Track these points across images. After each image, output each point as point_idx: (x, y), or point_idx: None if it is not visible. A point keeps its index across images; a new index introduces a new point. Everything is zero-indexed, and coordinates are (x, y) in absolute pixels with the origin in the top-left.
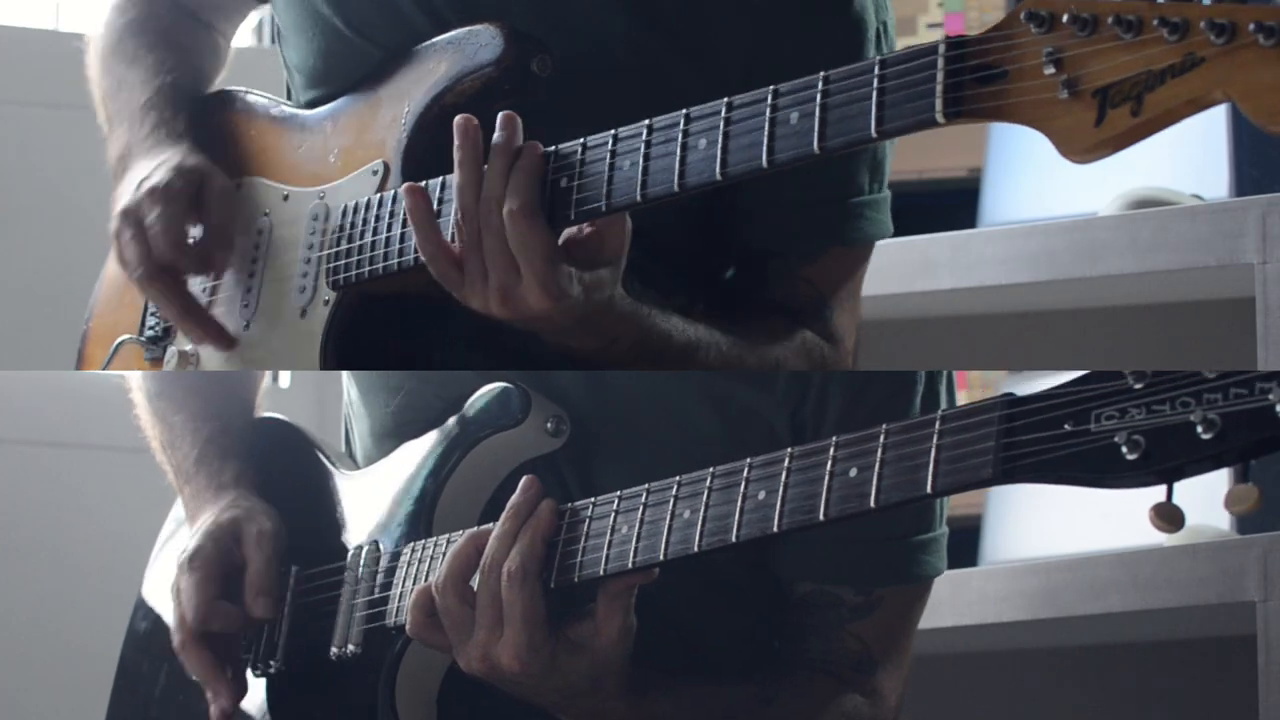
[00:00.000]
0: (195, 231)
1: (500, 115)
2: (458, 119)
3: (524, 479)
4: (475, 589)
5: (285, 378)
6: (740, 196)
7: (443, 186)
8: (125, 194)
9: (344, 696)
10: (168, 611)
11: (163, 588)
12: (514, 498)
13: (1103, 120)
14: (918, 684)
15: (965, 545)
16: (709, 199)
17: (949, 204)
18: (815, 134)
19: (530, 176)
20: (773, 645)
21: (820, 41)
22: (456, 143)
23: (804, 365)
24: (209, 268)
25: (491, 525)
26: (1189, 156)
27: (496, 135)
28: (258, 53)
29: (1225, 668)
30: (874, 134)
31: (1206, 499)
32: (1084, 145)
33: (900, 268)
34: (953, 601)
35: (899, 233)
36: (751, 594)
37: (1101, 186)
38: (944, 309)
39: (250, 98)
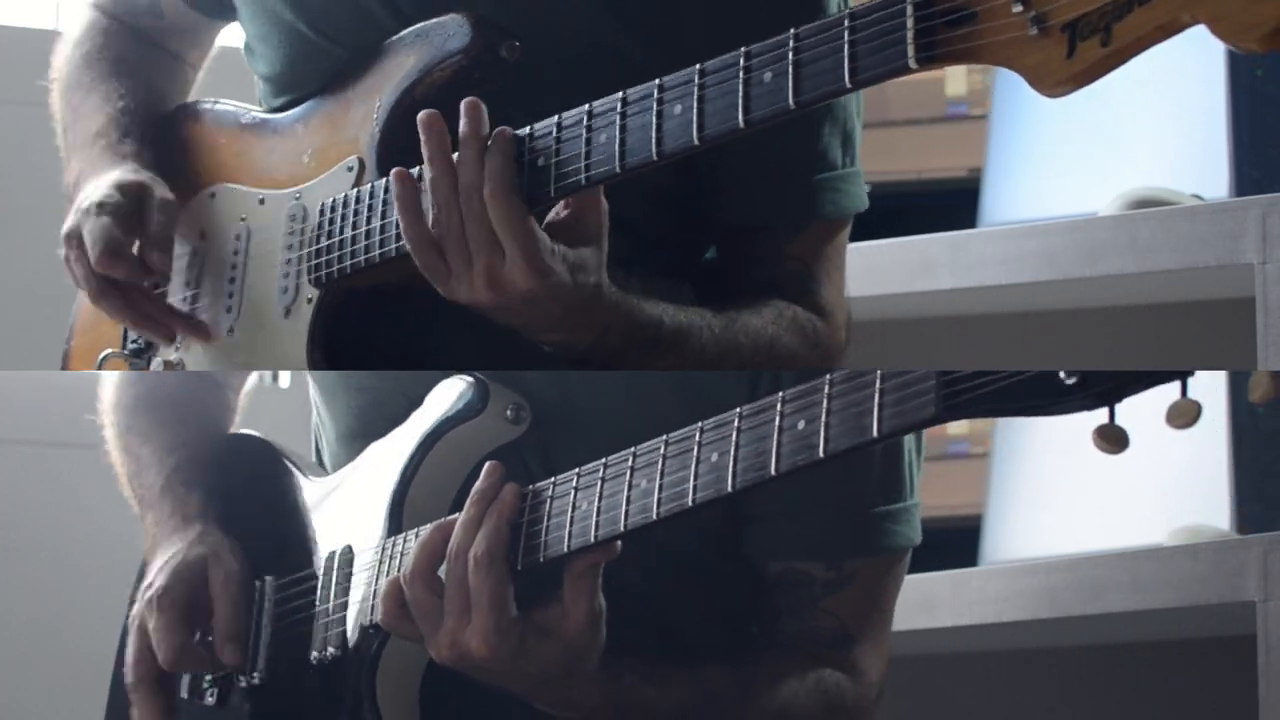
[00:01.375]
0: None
1: (464, 104)
2: (421, 115)
3: (486, 464)
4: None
5: (285, 378)
6: (716, 177)
7: (419, 176)
8: (69, 218)
9: (327, 699)
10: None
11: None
12: (477, 484)
13: (1073, 53)
14: (918, 684)
15: (965, 545)
16: (685, 183)
17: (949, 204)
18: (790, 90)
19: (504, 159)
20: (749, 629)
21: (784, 15)
22: (423, 138)
23: (797, 340)
24: (148, 273)
25: (458, 515)
26: (1189, 156)
27: (463, 125)
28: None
29: (1225, 668)
30: (848, 84)
31: (1207, 498)
32: (1056, 79)
33: (900, 268)
34: (953, 601)
35: (899, 233)
36: (723, 578)
37: (1101, 186)
38: (944, 309)
39: (219, 107)
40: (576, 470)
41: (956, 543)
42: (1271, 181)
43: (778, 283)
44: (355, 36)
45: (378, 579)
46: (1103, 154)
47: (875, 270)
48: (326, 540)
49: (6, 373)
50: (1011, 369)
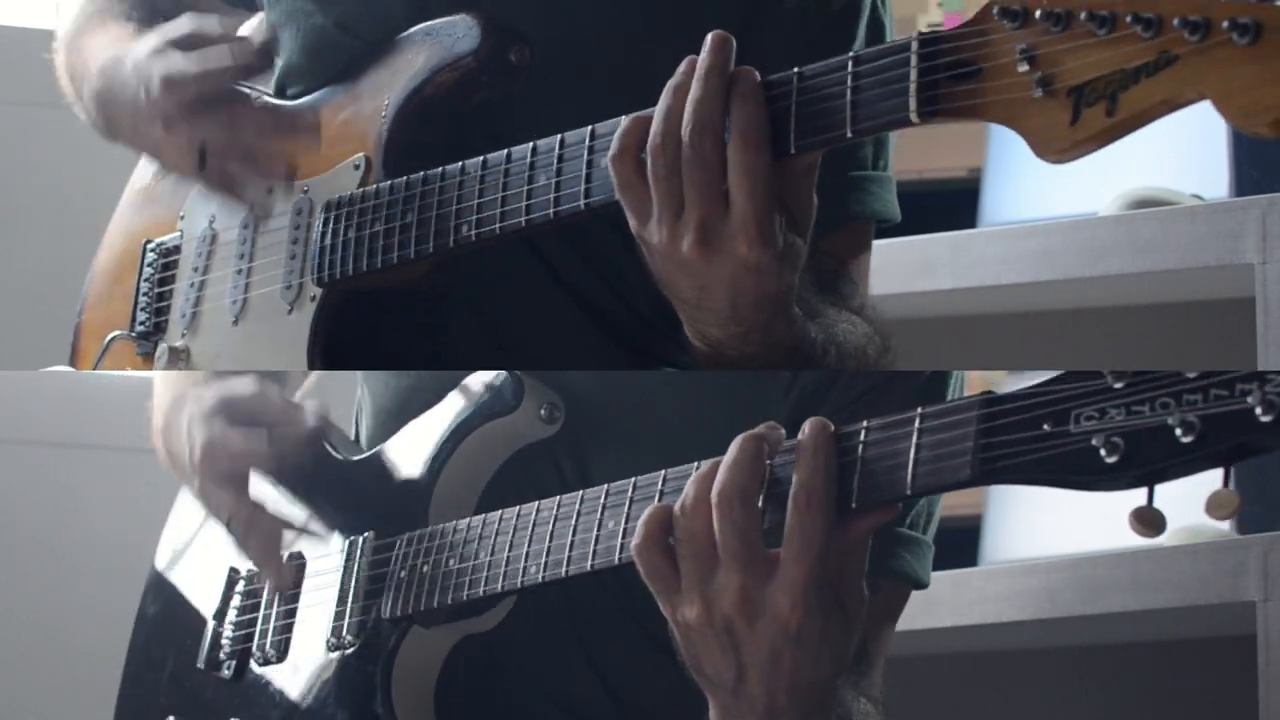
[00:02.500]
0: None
1: (714, 36)
2: (715, 34)
3: (764, 425)
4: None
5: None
6: None
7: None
8: (144, 122)
9: (341, 690)
10: (180, 588)
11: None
12: (750, 433)
13: (1077, 120)
14: (918, 684)
15: (965, 545)
16: None
17: (949, 204)
18: (791, 135)
19: (757, 103)
20: None
21: (812, 23)
22: (709, 48)
23: (874, 349)
24: (249, 66)
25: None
26: (1189, 156)
27: (706, 59)
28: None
29: (1225, 668)
30: (849, 134)
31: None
32: (1059, 146)
33: (900, 268)
34: (953, 601)
35: (899, 233)
36: None
37: (1101, 186)
38: (944, 309)
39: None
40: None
41: (956, 543)
42: (1271, 181)
43: (819, 281)
44: (373, 30)
45: (400, 573)
46: (1103, 154)
47: (875, 270)
48: (351, 525)
49: (7, 373)
50: (1013, 368)
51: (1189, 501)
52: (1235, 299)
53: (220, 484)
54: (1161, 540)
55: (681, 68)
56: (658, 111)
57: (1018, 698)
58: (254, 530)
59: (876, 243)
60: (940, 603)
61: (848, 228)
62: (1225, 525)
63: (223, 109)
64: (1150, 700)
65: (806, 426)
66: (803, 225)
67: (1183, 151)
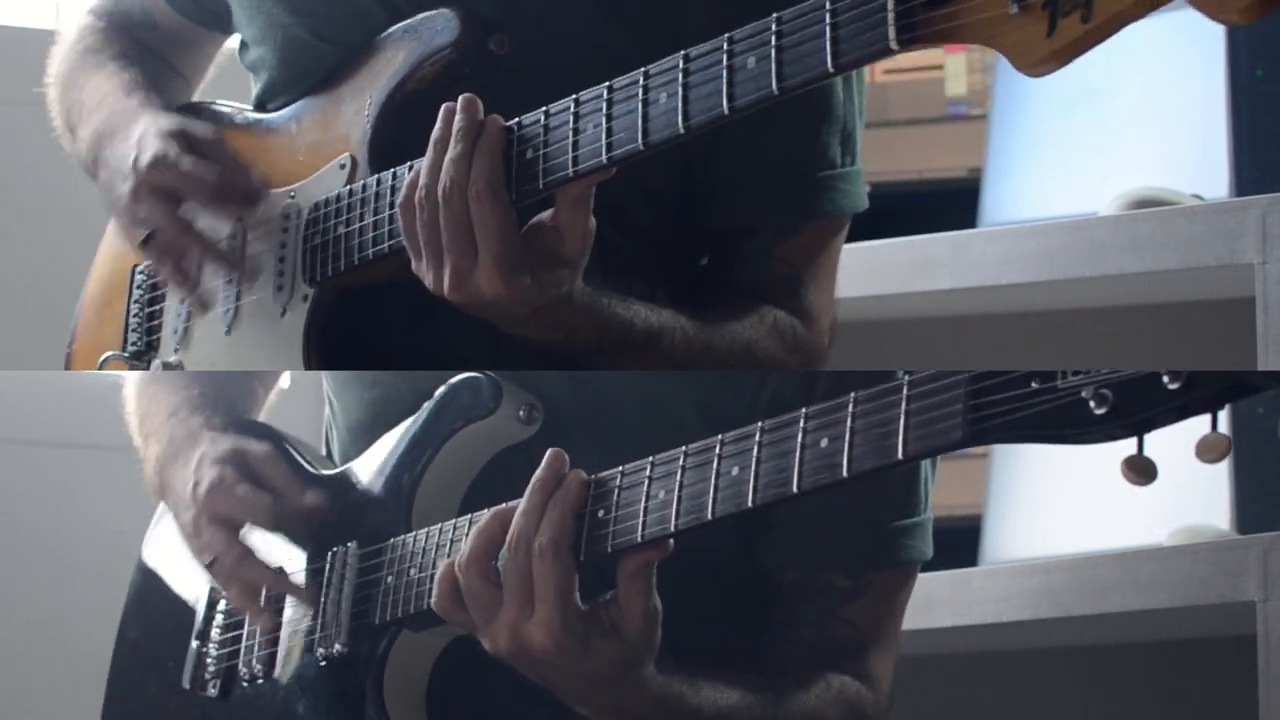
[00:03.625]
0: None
1: (461, 98)
2: (461, 98)
3: (549, 452)
4: (501, 567)
5: (285, 377)
6: (713, 176)
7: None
8: (120, 178)
9: (333, 696)
10: (159, 617)
11: (153, 590)
12: (539, 472)
13: (1054, 31)
14: (918, 684)
15: (965, 545)
16: (685, 184)
17: (949, 204)
18: (773, 75)
19: (494, 157)
20: (764, 636)
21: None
22: (442, 119)
23: (777, 345)
24: (251, 199)
25: (517, 502)
26: (1189, 156)
27: (457, 120)
28: None
29: (1225, 668)
30: (831, 68)
31: (1208, 498)
32: (1037, 57)
33: (900, 268)
34: (953, 601)
35: (899, 233)
36: (738, 584)
37: (1101, 186)
38: (944, 309)
39: (215, 108)
40: (620, 468)
41: (956, 543)
42: (1271, 181)
43: (764, 285)
44: (352, 37)
45: (387, 577)
46: (1103, 154)
47: (875, 270)
48: (335, 536)
49: (6, 373)
50: (1021, 369)
51: (1189, 501)
52: (1235, 299)
53: (217, 524)
54: (1161, 540)
55: (440, 119)
56: (422, 166)
57: (1018, 698)
58: (238, 576)
59: (877, 243)
60: (940, 603)
61: (817, 224)
62: (1226, 525)
63: (180, 213)
64: (1150, 700)
65: (546, 470)
66: (570, 253)
67: (1183, 151)
